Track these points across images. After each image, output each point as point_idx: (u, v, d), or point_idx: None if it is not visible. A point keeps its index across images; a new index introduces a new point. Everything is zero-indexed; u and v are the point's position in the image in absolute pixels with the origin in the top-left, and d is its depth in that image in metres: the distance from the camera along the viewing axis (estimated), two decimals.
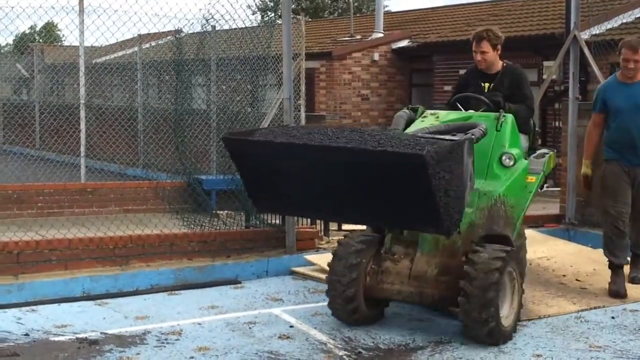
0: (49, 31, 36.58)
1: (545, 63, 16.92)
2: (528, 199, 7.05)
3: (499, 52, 7.60)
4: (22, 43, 22.95)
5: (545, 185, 7.65)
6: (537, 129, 7.90)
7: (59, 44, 29.76)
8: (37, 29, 38.34)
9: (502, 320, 6.19)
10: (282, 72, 9.50)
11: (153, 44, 19.01)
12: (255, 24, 17.00)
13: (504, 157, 6.75)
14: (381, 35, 24.14)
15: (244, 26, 12.85)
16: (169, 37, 17.26)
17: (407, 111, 7.31)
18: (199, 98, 15.20)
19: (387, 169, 5.46)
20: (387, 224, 6.52)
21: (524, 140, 7.35)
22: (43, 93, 20.36)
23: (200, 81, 15.75)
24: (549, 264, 8.67)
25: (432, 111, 7.25)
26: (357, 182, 5.68)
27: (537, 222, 10.57)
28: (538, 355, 6.01)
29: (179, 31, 15.42)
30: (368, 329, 6.60)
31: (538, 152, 7.54)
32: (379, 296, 6.63)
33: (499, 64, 7.64)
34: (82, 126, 13.96)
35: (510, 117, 6.95)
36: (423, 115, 7.19)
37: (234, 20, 11.92)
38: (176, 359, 5.92)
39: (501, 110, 6.97)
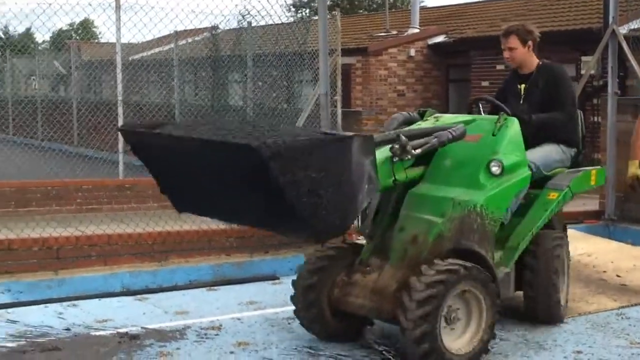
0: (86, 28, 36.82)
1: (584, 58, 16.78)
2: (541, 217, 6.43)
3: (530, 48, 7.07)
4: (60, 40, 23.14)
5: None
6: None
7: (96, 40, 30.00)
8: (74, 26, 38.67)
9: (453, 352, 5.49)
10: (318, 68, 9.51)
11: (189, 40, 19.09)
12: (290, 20, 17.06)
13: (491, 164, 6.07)
14: (417, 30, 24.04)
15: (279, 22, 12.91)
16: (205, 34, 17.35)
17: (404, 113, 6.88)
18: (235, 94, 15.28)
19: (237, 163, 4.88)
20: (269, 228, 5.99)
21: (558, 151, 6.91)
22: (80, 90, 20.53)
23: (237, 77, 15.82)
24: (589, 260, 8.60)
25: (437, 114, 6.82)
26: (226, 179, 5.09)
27: (577, 219, 10.49)
28: (578, 352, 5.97)
29: (215, 27, 15.52)
30: None
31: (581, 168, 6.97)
32: (344, 309, 6.04)
33: (533, 63, 7.09)
34: (120, 123, 14.04)
35: (512, 122, 6.34)
36: (425, 119, 6.76)
37: (270, 16, 11.97)
38: (216, 354, 5.95)
39: (501, 113, 6.41)
